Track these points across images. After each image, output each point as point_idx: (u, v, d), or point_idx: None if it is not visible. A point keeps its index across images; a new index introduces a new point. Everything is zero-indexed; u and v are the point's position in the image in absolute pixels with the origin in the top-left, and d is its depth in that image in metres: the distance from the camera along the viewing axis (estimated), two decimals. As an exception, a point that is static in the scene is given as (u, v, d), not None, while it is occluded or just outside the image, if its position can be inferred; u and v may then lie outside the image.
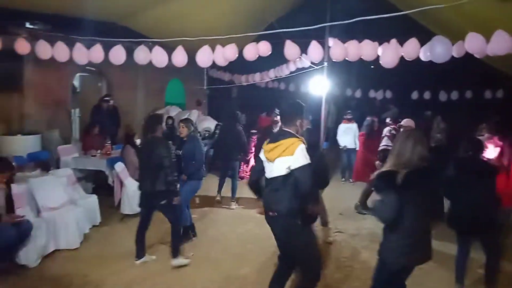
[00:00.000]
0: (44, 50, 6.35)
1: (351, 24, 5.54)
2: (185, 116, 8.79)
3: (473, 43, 5.30)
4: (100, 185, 7.61)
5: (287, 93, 13.22)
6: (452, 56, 5.68)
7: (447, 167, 4.11)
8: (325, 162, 4.62)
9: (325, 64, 7.75)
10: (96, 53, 6.37)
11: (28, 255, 4.60)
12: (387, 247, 3.03)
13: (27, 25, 7.71)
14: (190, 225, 5.79)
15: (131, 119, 10.73)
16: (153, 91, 11.99)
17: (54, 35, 6.68)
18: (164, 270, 4.73)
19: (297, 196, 3.21)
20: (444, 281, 4.49)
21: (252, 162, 10.16)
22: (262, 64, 9.19)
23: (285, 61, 9.49)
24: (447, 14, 6.15)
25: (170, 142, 4.95)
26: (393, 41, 5.94)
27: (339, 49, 6.28)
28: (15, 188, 4.87)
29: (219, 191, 7.71)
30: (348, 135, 9.44)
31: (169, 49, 6.50)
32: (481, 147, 4.27)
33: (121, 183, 6.58)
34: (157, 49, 6.41)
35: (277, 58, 7.33)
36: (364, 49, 6.18)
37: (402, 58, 5.96)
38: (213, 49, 6.39)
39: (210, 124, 10.44)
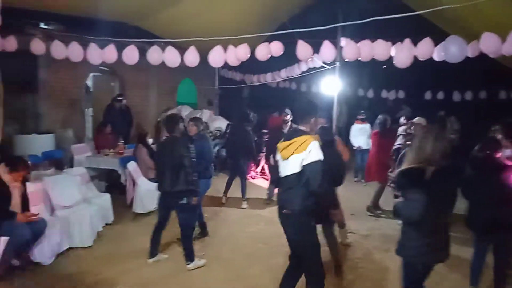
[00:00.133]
0: (59, 50, 6.44)
1: (363, 23, 5.51)
2: (197, 116, 8.83)
3: (488, 43, 5.24)
4: (113, 184, 7.69)
5: (298, 93, 13.21)
6: (466, 56, 5.62)
7: (463, 167, 4.05)
8: (340, 160, 4.59)
9: (337, 64, 7.73)
10: (110, 53, 6.44)
11: (43, 253, 4.65)
12: (408, 246, 2.99)
13: (42, 25, 7.81)
14: (203, 224, 5.82)
15: (143, 118, 10.84)
16: (165, 90, 12.07)
17: (69, 35, 6.76)
18: (176, 269, 4.75)
19: (312, 194, 3.21)
20: (457, 285, 4.43)
21: (263, 162, 10.18)
22: (273, 64, 9.20)
23: (296, 61, 9.48)
24: (461, 14, 6.09)
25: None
26: (407, 41, 5.89)
27: (351, 49, 6.25)
28: (30, 186, 4.94)
29: (226, 192, 7.68)
30: (361, 136, 9.38)
31: (181, 49, 6.54)
32: (499, 146, 4.20)
33: (134, 182, 6.64)
34: (170, 49, 6.46)
35: (289, 58, 7.32)
36: (377, 49, 6.15)
37: (414, 58, 5.92)
38: (225, 49, 6.41)
39: (221, 123, 10.47)
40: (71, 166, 7.22)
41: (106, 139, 8.04)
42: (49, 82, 8.48)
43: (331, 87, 8.42)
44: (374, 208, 7.01)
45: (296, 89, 13.31)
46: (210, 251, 5.31)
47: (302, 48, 6.37)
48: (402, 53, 5.87)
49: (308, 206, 3.24)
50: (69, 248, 5.13)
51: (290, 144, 3.28)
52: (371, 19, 5.32)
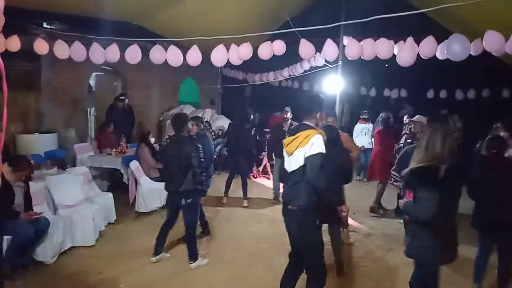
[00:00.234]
0: (62, 50, 6.44)
1: (366, 22, 5.49)
2: (199, 115, 8.84)
3: (492, 41, 5.21)
4: (115, 183, 7.70)
5: (300, 92, 13.19)
6: (469, 55, 5.59)
7: (469, 166, 4.03)
8: (347, 158, 4.52)
9: (340, 62, 7.71)
10: (112, 53, 6.45)
11: (45, 252, 4.67)
12: (419, 246, 2.95)
13: (45, 25, 7.82)
14: (205, 223, 5.83)
15: (146, 118, 10.84)
16: (168, 90, 12.07)
17: (71, 35, 6.76)
18: (179, 268, 4.75)
19: (317, 190, 3.16)
20: (459, 285, 4.41)
21: (265, 161, 10.18)
22: (276, 63, 9.20)
23: (299, 59, 9.48)
24: (464, 12, 6.06)
25: None
26: (410, 39, 5.87)
27: (354, 48, 6.23)
28: (33, 185, 4.95)
29: (226, 192, 7.67)
30: (365, 135, 9.38)
31: (184, 48, 6.54)
32: (505, 145, 4.17)
33: (136, 181, 6.64)
34: (172, 49, 6.46)
35: (291, 57, 7.30)
36: (380, 48, 6.12)
37: (417, 56, 5.89)
38: (227, 48, 6.40)
39: (223, 123, 10.48)
40: (74, 166, 7.22)
41: (109, 138, 8.04)
42: (52, 81, 8.48)
43: (334, 86, 8.40)
44: (377, 208, 6.98)
45: (298, 88, 13.30)
46: (213, 251, 5.31)
47: (305, 47, 6.36)
48: (405, 52, 5.85)
49: (313, 202, 3.19)
50: (72, 247, 5.14)
51: (295, 138, 3.26)
52: (374, 17, 5.30)
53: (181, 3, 6.94)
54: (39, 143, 7.57)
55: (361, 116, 9.81)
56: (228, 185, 7.67)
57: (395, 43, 6.15)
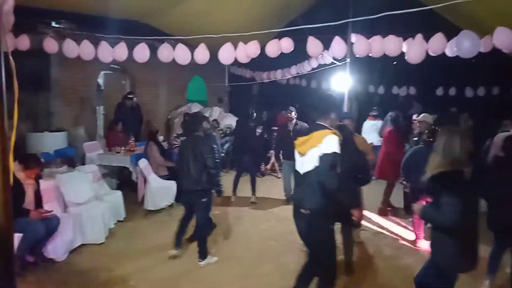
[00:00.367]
0: (71, 48, 6.49)
1: (374, 19, 5.44)
2: (207, 113, 8.86)
3: (502, 38, 5.17)
4: (124, 181, 7.75)
5: (308, 90, 13.16)
6: (479, 52, 5.54)
7: (484, 167, 3.96)
8: (363, 159, 4.38)
9: (348, 60, 7.67)
10: (121, 51, 6.47)
11: (56, 249, 4.71)
12: (445, 252, 2.85)
13: (54, 24, 7.88)
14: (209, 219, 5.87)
15: (154, 116, 10.88)
16: (175, 88, 12.12)
17: (80, 33, 6.80)
18: (188, 266, 4.77)
19: (328, 191, 3.00)
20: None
21: (273, 159, 10.17)
22: (283, 60, 9.17)
23: (307, 57, 9.45)
24: (474, 8, 6.00)
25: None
26: (419, 36, 5.83)
27: (362, 45, 6.20)
28: (43, 184, 5.00)
29: (234, 190, 7.66)
30: (374, 132, 9.31)
31: (191, 46, 6.55)
32: None
33: (145, 179, 6.68)
34: (180, 47, 6.47)
35: (299, 54, 7.28)
36: (388, 45, 6.09)
37: (426, 53, 5.85)
38: (235, 46, 6.40)
39: (231, 121, 10.49)
40: (83, 164, 7.27)
41: (117, 136, 8.09)
42: (61, 80, 8.55)
43: (342, 83, 8.37)
44: (385, 210, 6.92)
45: (306, 86, 13.26)
46: (222, 249, 5.32)
47: (313, 45, 6.34)
48: (414, 49, 5.81)
49: (327, 205, 3.05)
50: (82, 245, 5.18)
51: (307, 139, 3.14)
52: (382, 14, 5.24)
53: (188, 1, 6.95)
54: (49, 142, 7.64)
55: (370, 113, 9.76)
56: (235, 184, 7.68)
57: (404, 40, 6.11)
